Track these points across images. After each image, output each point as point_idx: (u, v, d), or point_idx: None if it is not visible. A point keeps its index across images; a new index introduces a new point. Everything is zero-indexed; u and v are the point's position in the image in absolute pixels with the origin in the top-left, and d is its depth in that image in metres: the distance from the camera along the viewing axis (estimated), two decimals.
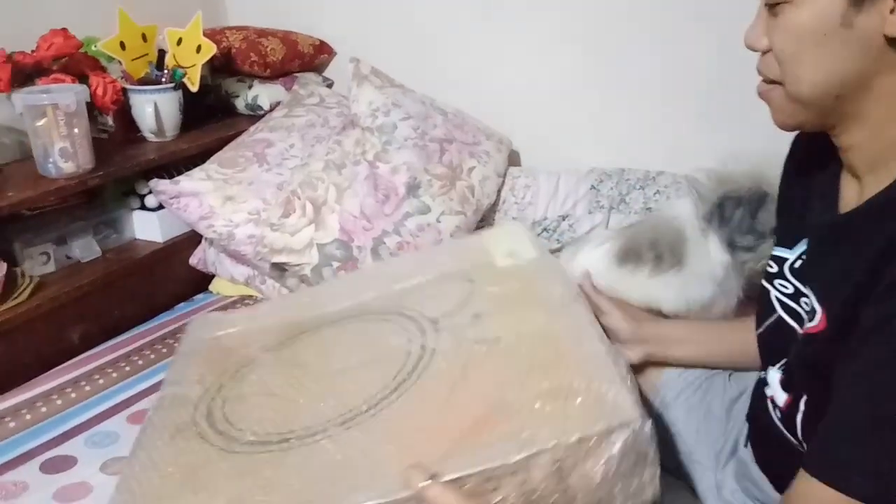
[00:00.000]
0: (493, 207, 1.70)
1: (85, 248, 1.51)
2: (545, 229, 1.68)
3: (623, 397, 0.77)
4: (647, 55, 1.64)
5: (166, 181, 1.54)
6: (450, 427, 0.83)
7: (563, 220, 1.67)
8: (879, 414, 0.66)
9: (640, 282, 1.29)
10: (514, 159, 1.84)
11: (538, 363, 0.87)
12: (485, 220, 1.68)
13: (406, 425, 0.86)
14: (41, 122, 1.37)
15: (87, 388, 1.27)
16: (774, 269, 0.90)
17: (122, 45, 1.59)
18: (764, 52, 0.76)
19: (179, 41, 1.65)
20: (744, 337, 1.00)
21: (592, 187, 1.67)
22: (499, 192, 1.70)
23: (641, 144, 1.68)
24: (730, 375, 1.08)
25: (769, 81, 0.77)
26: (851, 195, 0.79)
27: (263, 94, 1.87)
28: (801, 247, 0.85)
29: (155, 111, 1.61)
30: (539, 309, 0.94)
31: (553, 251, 1.67)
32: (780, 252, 0.90)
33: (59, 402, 1.23)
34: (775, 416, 0.85)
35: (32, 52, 1.49)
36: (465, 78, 1.84)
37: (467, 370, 0.90)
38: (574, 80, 1.76)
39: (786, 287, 0.86)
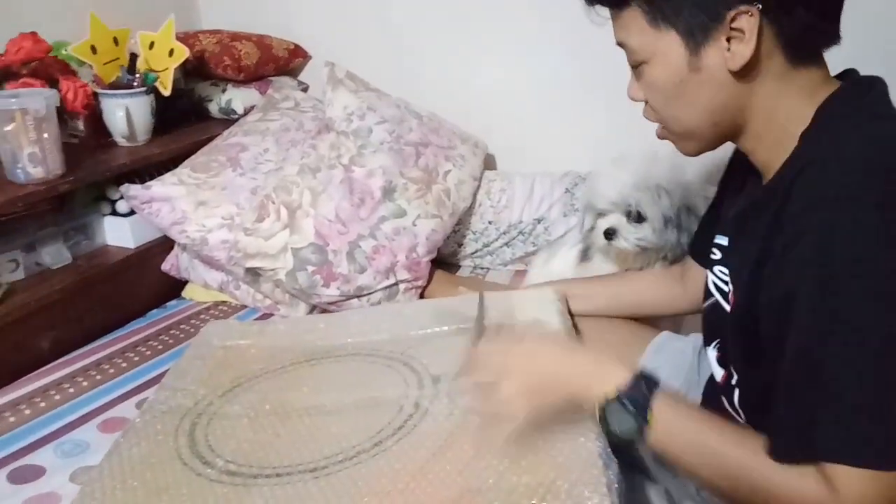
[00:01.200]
0: (469, 211, 1.70)
1: (55, 255, 1.49)
2: (521, 232, 1.69)
3: None
4: (622, 60, 1.64)
5: (138, 186, 1.52)
6: (418, 501, 0.81)
7: (539, 223, 1.68)
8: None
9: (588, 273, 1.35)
10: (489, 163, 1.84)
11: (526, 451, 0.83)
12: (461, 224, 1.68)
13: (372, 488, 0.85)
14: (9, 127, 1.35)
15: (57, 396, 1.25)
16: (717, 255, 0.95)
17: (94, 49, 1.58)
18: (646, 102, 0.87)
19: (152, 45, 1.64)
20: (635, 288, 1.22)
21: (567, 190, 1.67)
22: (475, 195, 1.71)
23: (616, 148, 1.69)
24: (699, 354, 1.12)
25: (657, 122, 0.88)
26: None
27: (237, 98, 1.85)
28: None
29: (126, 115, 1.60)
30: None
31: (528, 254, 1.68)
32: (721, 240, 0.95)
33: (27, 411, 1.20)
34: (719, 391, 0.93)
35: (1, 56, 1.47)
36: (440, 82, 1.84)
37: (452, 440, 0.88)
38: (549, 85, 1.76)
39: (724, 273, 0.91)
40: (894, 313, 0.66)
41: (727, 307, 0.88)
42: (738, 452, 0.73)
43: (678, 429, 0.76)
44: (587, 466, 0.81)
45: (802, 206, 0.71)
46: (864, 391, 0.67)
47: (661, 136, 0.90)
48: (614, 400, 0.77)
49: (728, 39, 0.76)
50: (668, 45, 0.80)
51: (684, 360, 1.13)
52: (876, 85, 0.80)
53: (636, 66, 0.85)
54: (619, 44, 0.85)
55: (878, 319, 0.66)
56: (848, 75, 0.82)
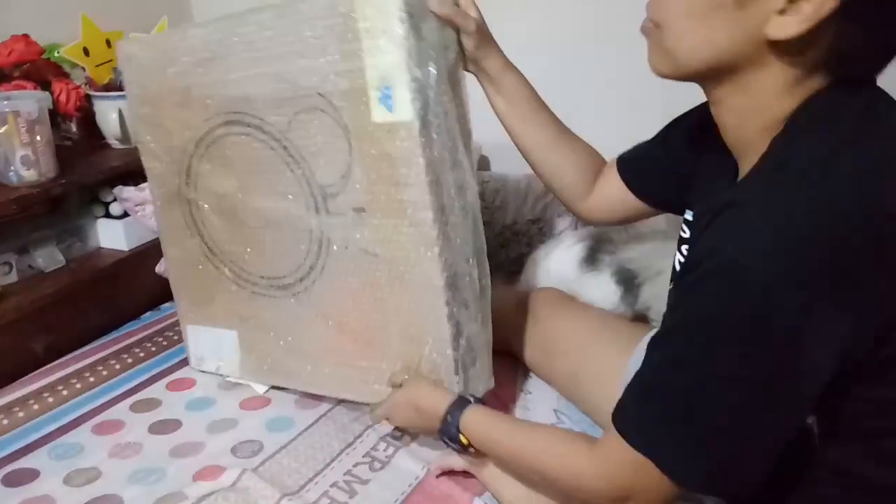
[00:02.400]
0: None
1: (48, 258, 1.48)
2: (515, 233, 1.69)
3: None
4: (614, 59, 1.65)
5: (131, 188, 1.52)
6: (343, 338, 1.13)
7: (533, 223, 1.68)
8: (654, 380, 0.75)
9: (603, 281, 1.33)
10: (483, 164, 1.84)
11: (403, 308, 1.05)
12: None
13: (324, 314, 1.14)
14: (2, 130, 1.34)
15: (51, 399, 1.24)
16: (686, 233, 0.93)
17: (86, 51, 1.58)
18: None
19: None
20: (562, 151, 1.15)
21: None
22: None
23: (609, 148, 1.69)
24: None
25: (653, 22, 0.77)
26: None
27: None
28: None
29: (119, 118, 1.59)
30: (409, 234, 1.01)
31: (523, 255, 1.68)
32: (690, 216, 0.93)
33: (20, 414, 1.20)
34: None
35: None
36: None
37: (357, 287, 1.09)
38: (541, 85, 1.77)
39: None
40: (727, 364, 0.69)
41: None
42: (526, 450, 0.89)
43: (485, 445, 0.94)
44: (439, 332, 1.03)
45: (709, 248, 0.69)
46: (668, 391, 0.73)
47: (643, 32, 0.80)
48: (441, 429, 0.97)
49: (780, 12, 0.67)
50: None
51: None
52: (863, 96, 0.72)
53: None
54: None
55: (714, 358, 0.69)
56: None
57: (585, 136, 1.70)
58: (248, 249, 1.20)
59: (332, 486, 1.04)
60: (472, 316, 1.06)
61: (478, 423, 0.94)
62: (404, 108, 0.95)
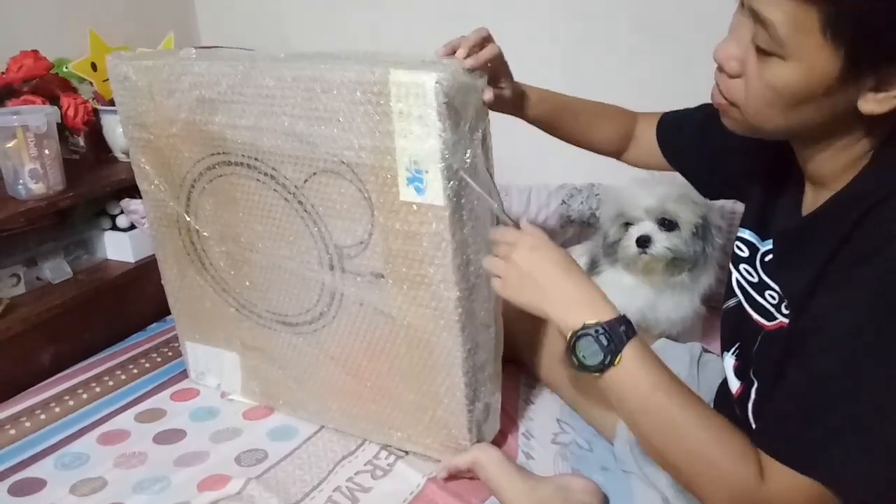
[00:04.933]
0: None
1: (56, 270, 1.50)
2: None
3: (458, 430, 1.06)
4: (615, 73, 1.67)
5: (137, 200, 1.53)
6: (352, 381, 1.11)
7: None
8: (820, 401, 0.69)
9: (606, 284, 1.34)
10: None
11: (417, 368, 1.05)
12: None
13: (333, 357, 1.12)
14: (11, 144, 1.36)
15: (58, 409, 1.25)
16: (744, 252, 0.91)
17: (94, 66, 1.60)
18: (731, 76, 0.74)
19: None
20: (590, 118, 1.19)
21: (563, 202, 1.69)
22: None
23: (610, 160, 1.70)
24: (699, 362, 1.12)
25: (728, 101, 0.76)
26: (811, 201, 0.81)
27: None
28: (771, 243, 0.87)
29: None
30: (428, 302, 0.99)
31: None
32: (751, 237, 0.91)
33: (27, 423, 1.21)
34: (733, 400, 0.89)
35: (2, 73, 1.48)
36: None
37: (370, 342, 1.07)
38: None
39: (751, 275, 0.88)
40: None
41: (752, 313, 0.85)
42: (685, 415, 0.75)
43: (638, 378, 0.78)
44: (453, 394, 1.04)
45: (870, 249, 0.67)
46: (834, 415, 0.68)
47: (716, 103, 0.78)
48: (591, 330, 0.79)
49: (879, 80, 0.67)
50: (824, 60, 0.66)
51: (681, 369, 1.13)
52: None
53: (762, 51, 0.70)
54: (759, 18, 0.69)
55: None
56: None
57: (587, 152, 1.72)
58: (250, 284, 1.16)
59: (335, 491, 1.05)
60: (487, 377, 1.07)
61: (644, 358, 0.79)
62: (436, 194, 0.90)
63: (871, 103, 0.68)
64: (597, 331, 0.78)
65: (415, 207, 0.93)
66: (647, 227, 1.24)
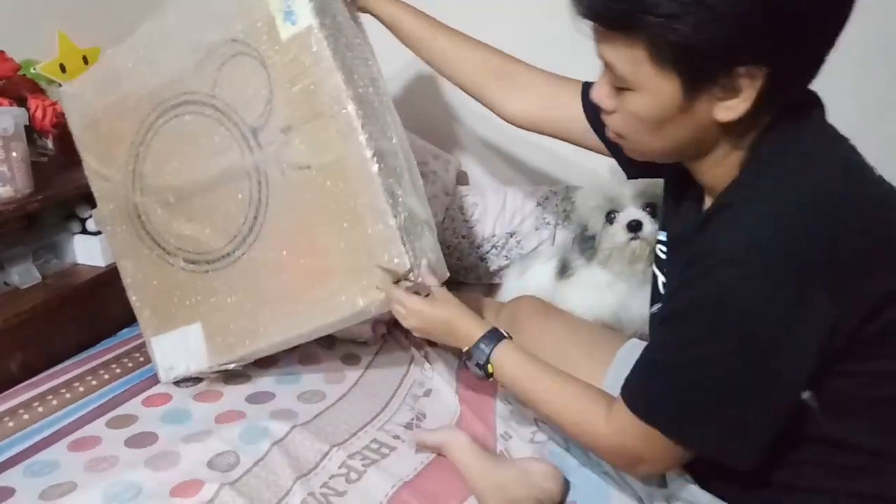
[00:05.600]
0: (442, 225, 1.71)
1: (24, 274, 1.47)
2: (493, 246, 1.70)
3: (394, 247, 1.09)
4: (589, 76, 1.67)
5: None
6: (299, 263, 1.18)
7: (511, 236, 1.69)
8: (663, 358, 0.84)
9: (577, 286, 1.35)
10: (461, 178, 1.86)
11: (343, 209, 1.12)
12: None
13: (276, 248, 1.19)
14: None
15: (26, 416, 1.23)
16: (663, 256, 0.98)
17: (63, 68, 1.58)
18: (609, 113, 0.85)
19: None
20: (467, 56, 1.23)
21: (538, 204, 1.69)
22: (447, 210, 1.72)
23: (586, 164, 1.72)
24: None
25: (615, 134, 0.87)
26: (703, 209, 0.90)
27: None
28: None
29: None
30: (332, 127, 1.12)
31: (502, 268, 1.69)
32: (664, 237, 0.98)
33: None
34: None
35: None
36: (412, 99, 1.86)
37: (301, 205, 1.16)
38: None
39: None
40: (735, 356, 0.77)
41: None
42: (548, 390, 0.96)
43: (509, 375, 1.00)
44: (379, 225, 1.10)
45: (706, 250, 0.78)
46: (669, 372, 0.83)
47: (612, 140, 0.89)
48: (464, 357, 1.04)
49: (723, 90, 0.75)
50: (663, 85, 0.76)
51: None
52: (812, 111, 0.82)
53: (618, 88, 0.81)
54: (604, 61, 0.81)
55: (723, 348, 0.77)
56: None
57: (566, 153, 1.74)
58: (190, 228, 1.27)
59: (308, 495, 1.04)
60: (406, 189, 1.15)
61: (509, 358, 1.00)
62: (305, 15, 1.10)
63: (725, 111, 0.76)
64: (468, 356, 1.03)
65: (295, 40, 1.12)
66: (636, 212, 1.25)
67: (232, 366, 1.27)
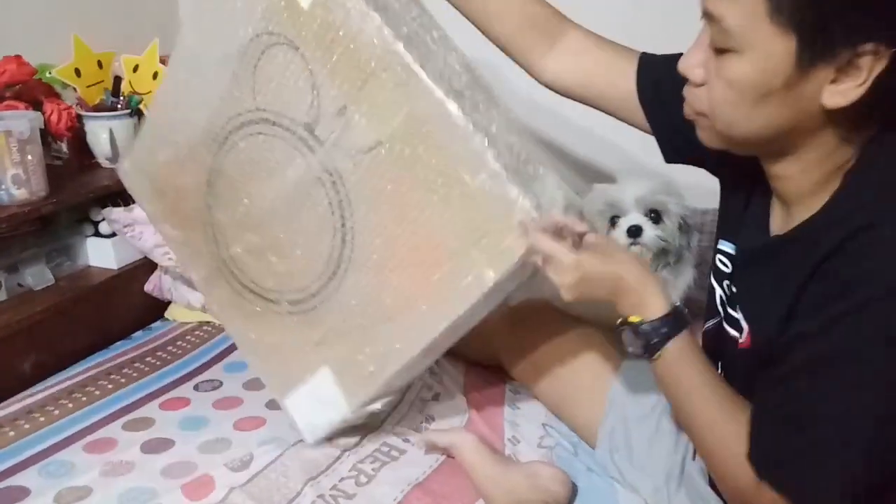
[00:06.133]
0: None
1: (37, 276, 1.49)
2: None
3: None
4: None
5: (120, 209, 1.53)
6: (404, 265, 0.99)
7: None
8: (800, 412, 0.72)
9: None
10: None
11: (432, 173, 0.93)
12: None
13: (375, 261, 1.02)
14: None
15: (42, 418, 1.24)
16: (726, 268, 0.91)
17: (78, 72, 1.59)
18: (697, 85, 0.75)
19: (136, 68, 1.66)
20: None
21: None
22: None
23: (593, 167, 1.73)
24: None
25: (696, 112, 0.77)
26: (779, 221, 0.82)
27: None
28: None
29: (110, 138, 1.61)
30: (387, 82, 0.94)
31: None
32: (727, 248, 0.91)
33: (11, 433, 1.20)
34: None
35: None
36: None
37: (385, 192, 0.98)
38: (526, 104, 1.79)
39: (731, 290, 0.89)
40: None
41: (737, 336, 0.86)
42: (710, 414, 0.80)
43: (673, 376, 0.83)
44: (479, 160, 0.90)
45: (857, 278, 0.68)
46: (830, 437, 0.70)
47: (687, 116, 0.79)
48: (631, 328, 0.84)
49: (838, 71, 0.66)
50: (777, 47, 0.66)
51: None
52: None
53: (719, 50, 0.71)
54: (711, 15, 0.70)
55: (878, 398, 0.68)
56: None
57: (575, 158, 1.74)
58: (280, 264, 1.12)
59: (318, 497, 1.05)
60: (494, 119, 0.93)
61: (687, 355, 0.82)
62: None
63: (835, 96, 0.68)
64: (636, 330, 0.83)
65: (318, 5, 0.96)
66: (637, 217, 1.26)
67: (379, 406, 1.11)
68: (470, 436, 1.13)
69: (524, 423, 1.22)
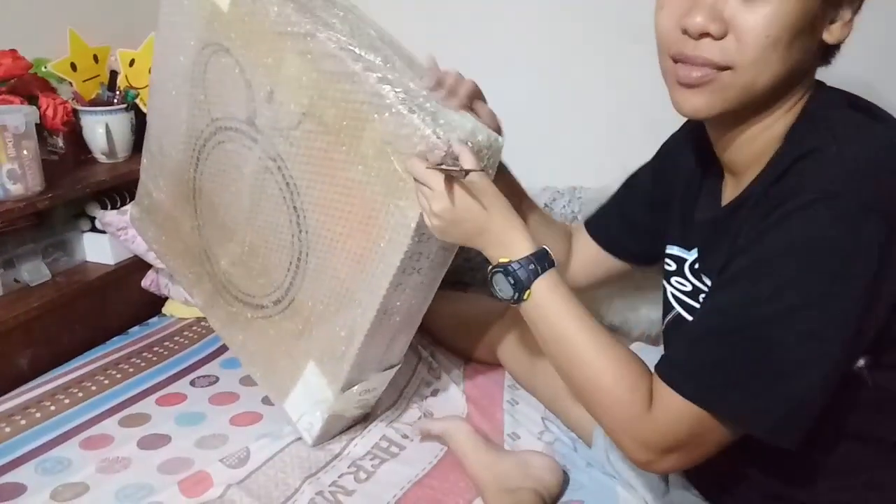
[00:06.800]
0: None
1: (34, 272, 1.48)
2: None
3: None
4: (595, 80, 1.68)
5: (113, 212, 1.53)
6: (355, 234, 1.00)
7: None
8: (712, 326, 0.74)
9: None
10: None
11: (346, 136, 0.98)
12: None
13: (333, 243, 1.04)
14: None
15: (38, 414, 1.24)
16: (672, 266, 0.95)
17: (73, 67, 1.58)
18: (717, 38, 0.73)
19: (132, 62, 1.65)
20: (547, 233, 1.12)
21: (546, 205, 1.70)
22: None
23: (594, 164, 1.72)
24: None
25: (717, 67, 0.74)
26: (731, 192, 0.86)
27: None
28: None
29: (106, 132, 1.60)
30: (294, 54, 1.01)
31: None
32: (677, 251, 0.95)
33: (7, 429, 1.19)
34: None
35: None
36: None
37: (321, 170, 1.02)
38: (527, 102, 1.79)
39: (684, 285, 0.91)
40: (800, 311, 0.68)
41: (690, 320, 0.88)
42: (587, 345, 0.81)
43: (546, 310, 0.84)
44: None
45: (792, 191, 0.70)
46: (737, 350, 0.72)
47: (701, 80, 0.75)
48: (501, 268, 0.85)
49: (835, 8, 0.74)
50: None
51: None
52: (839, 91, 0.80)
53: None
54: None
55: (782, 299, 0.69)
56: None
57: (574, 153, 1.74)
58: (263, 260, 1.15)
59: (317, 494, 1.04)
60: (402, 70, 0.98)
61: (554, 291, 0.83)
62: None
63: (833, 34, 0.75)
64: (506, 269, 0.84)
65: (235, 2, 1.07)
66: None
67: (368, 395, 1.13)
68: (463, 423, 1.14)
69: (524, 418, 1.22)
